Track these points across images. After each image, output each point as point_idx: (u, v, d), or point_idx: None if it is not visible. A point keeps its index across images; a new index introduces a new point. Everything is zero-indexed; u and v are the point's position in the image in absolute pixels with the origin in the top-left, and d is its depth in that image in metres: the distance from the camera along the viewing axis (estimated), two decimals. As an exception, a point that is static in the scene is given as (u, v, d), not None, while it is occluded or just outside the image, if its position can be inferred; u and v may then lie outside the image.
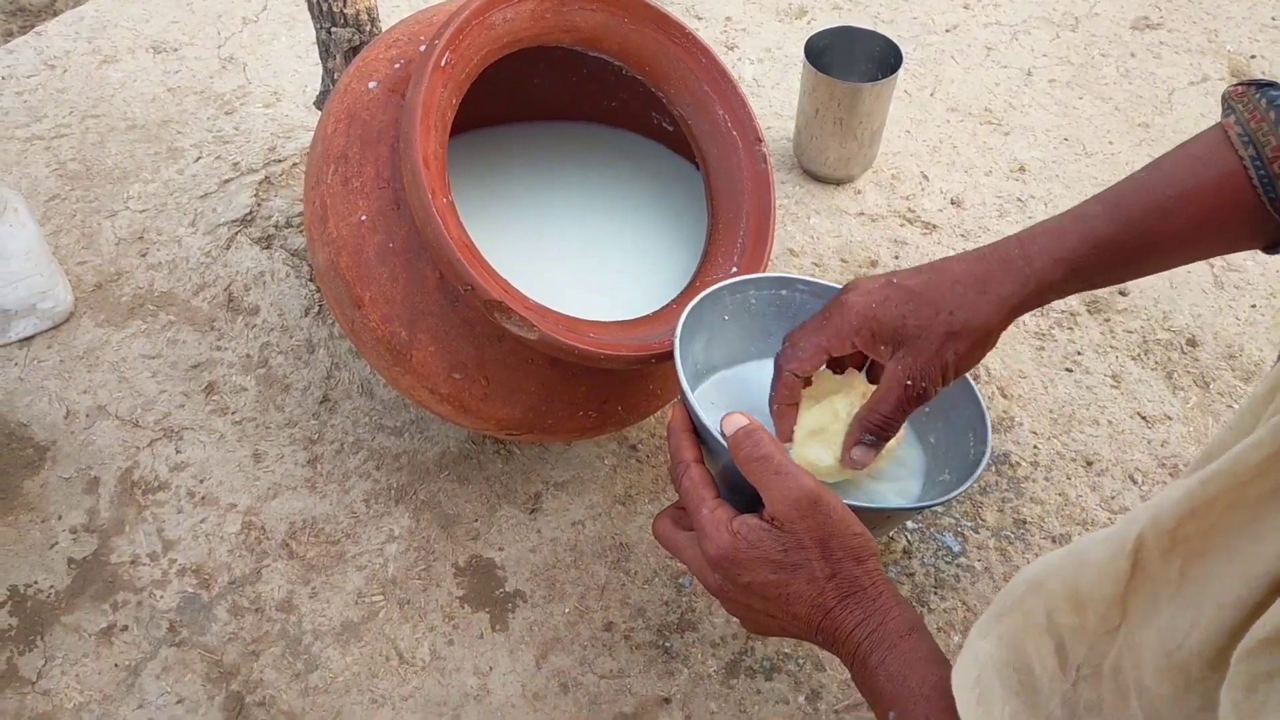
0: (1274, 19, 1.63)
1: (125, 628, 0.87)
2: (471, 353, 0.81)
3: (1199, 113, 1.44)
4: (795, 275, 0.82)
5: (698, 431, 0.69)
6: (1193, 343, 1.15)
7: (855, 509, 0.63)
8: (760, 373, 0.83)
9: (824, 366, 0.72)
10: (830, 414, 0.73)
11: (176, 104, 1.32)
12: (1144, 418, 1.07)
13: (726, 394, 0.81)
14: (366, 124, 0.82)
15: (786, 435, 0.73)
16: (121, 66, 1.37)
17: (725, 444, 0.64)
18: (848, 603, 0.61)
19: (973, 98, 1.44)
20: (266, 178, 1.20)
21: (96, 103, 1.31)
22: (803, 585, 0.61)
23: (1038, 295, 0.67)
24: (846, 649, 0.61)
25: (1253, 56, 1.55)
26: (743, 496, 0.64)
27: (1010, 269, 0.67)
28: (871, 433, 0.69)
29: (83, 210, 1.17)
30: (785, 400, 0.72)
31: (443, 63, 0.77)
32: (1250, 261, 1.25)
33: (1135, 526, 0.44)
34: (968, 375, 0.74)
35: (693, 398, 0.68)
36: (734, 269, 0.89)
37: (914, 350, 0.67)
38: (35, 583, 0.89)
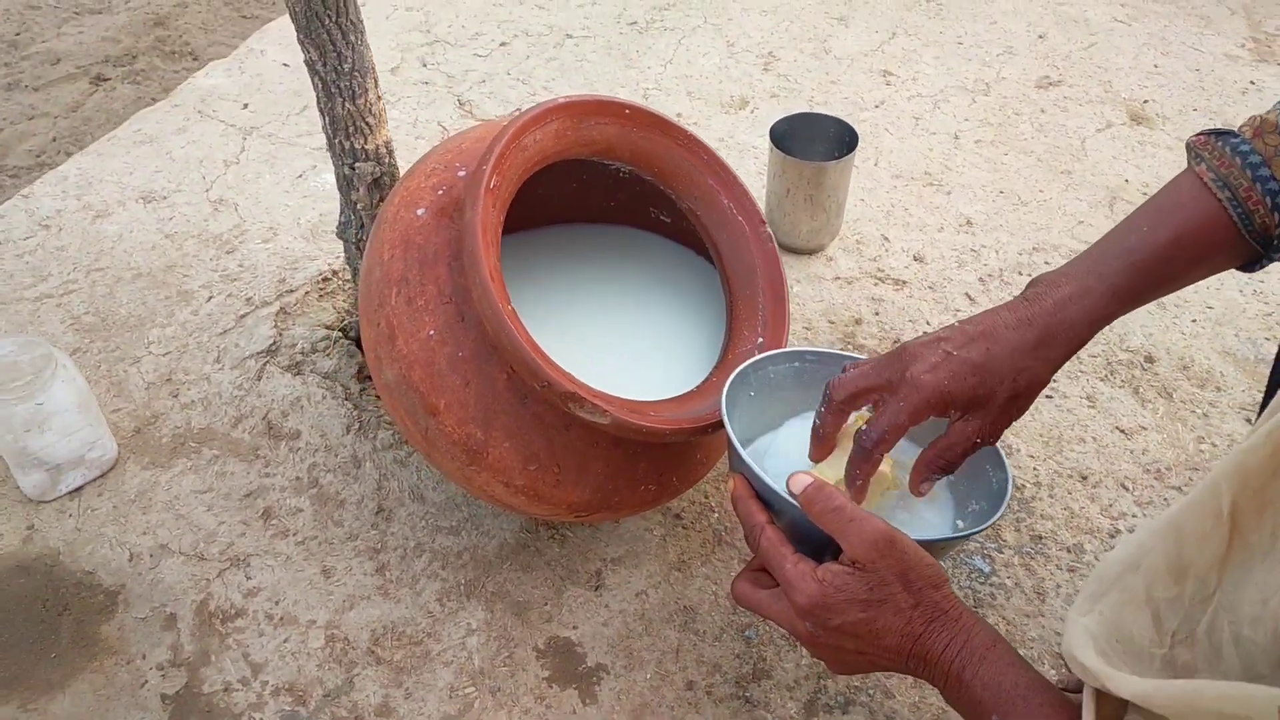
0: (1156, 66, 1.82)
1: (232, 752, 0.89)
2: (543, 444, 0.88)
3: (1111, 155, 1.60)
4: (803, 348, 0.91)
5: (760, 495, 0.76)
6: (1150, 359, 1.27)
7: (921, 543, 0.70)
8: (784, 436, 0.91)
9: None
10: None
11: (177, 249, 1.37)
12: (1123, 431, 1.19)
13: (764, 460, 0.88)
14: (422, 247, 0.89)
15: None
16: (115, 219, 1.42)
17: (795, 502, 0.71)
18: (934, 627, 0.67)
19: (911, 164, 1.58)
20: (282, 308, 1.25)
21: (98, 256, 1.35)
22: (890, 618, 0.67)
23: (1075, 350, 0.77)
24: (939, 669, 0.67)
25: (1146, 101, 1.73)
26: (811, 549, 0.71)
27: (1058, 334, 0.75)
28: (939, 472, 0.77)
29: (106, 360, 1.21)
30: (866, 475, 0.77)
31: (492, 185, 0.86)
32: (1184, 282, 1.39)
33: (1225, 491, 0.52)
34: None
35: (755, 465, 0.75)
36: (760, 339, 0.98)
37: (983, 412, 0.75)
38: (134, 722, 0.91)
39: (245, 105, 1.66)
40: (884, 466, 0.81)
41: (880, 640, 0.68)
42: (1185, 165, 0.80)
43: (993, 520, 0.77)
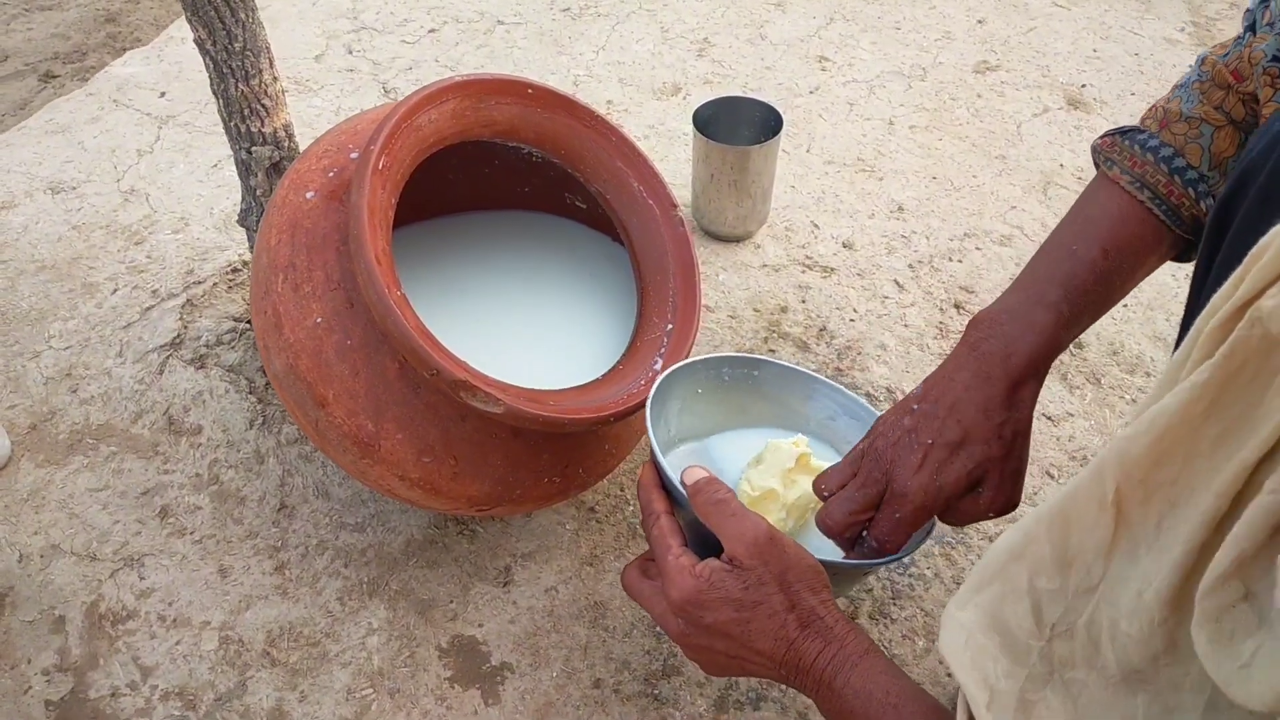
0: (1095, 50, 1.81)
1: (116, 761, 0.86)
2: (438, 435, 0.84)
3: (1046, 140, 1.59)
4: (766, 358, 0.88)
5: (666, 487, 0.73)
6: (1079, 344, 1.25)
7: (823, 563, 0.67)
8: (730, 445, 0.89)
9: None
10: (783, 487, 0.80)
11: (84, 240, 1.32)
12: (1049, 418, 1.17)
13: (696, 461, 0.86)
14: (310, 231, 0.85)
15: None
16: (21, 210, 1.37)
17: (685, 493, 0.69)
18: (808, 632, 0.64)
19: (844, 149, 1.56)
20: (189, 300, 1.21)
21: (1, 249, 1.30)
22: (764, 620, 0.64)
23: (1043, 379, 0.74)
24: (811, 676, 0.64)
25: (1083, 85, 1.72)
26: (711, 548, 0.68)
27: (1015, 380, 0.71)
28: None
29: (4, 355, 1.17)
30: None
31: (380, 166, 0.82)
32: (1115, 266, 1.37)
33: (1108, 479, 0.50)
34: None
35: (660, 453, 0.73)
36: (669, 325, 0.96)
37: (987, 483, 0.72)
38: (13, 731, 0.87)
39: (162, 94, 1.61)
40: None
41: (752, 643, 0.65)
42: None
43: (900, 556, 0.74)
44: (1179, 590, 0.48)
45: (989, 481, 0.72)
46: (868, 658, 0.63)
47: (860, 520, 0.72)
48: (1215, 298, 0.48)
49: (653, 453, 0.74)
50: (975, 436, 0.70)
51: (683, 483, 0.70)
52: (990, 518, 0.73)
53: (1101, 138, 0.78)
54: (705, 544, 0.68)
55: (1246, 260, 0.47)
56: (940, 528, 1.05)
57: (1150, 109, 0.77)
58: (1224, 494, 0.46)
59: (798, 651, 0.64)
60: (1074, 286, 0.73)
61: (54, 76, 1.79)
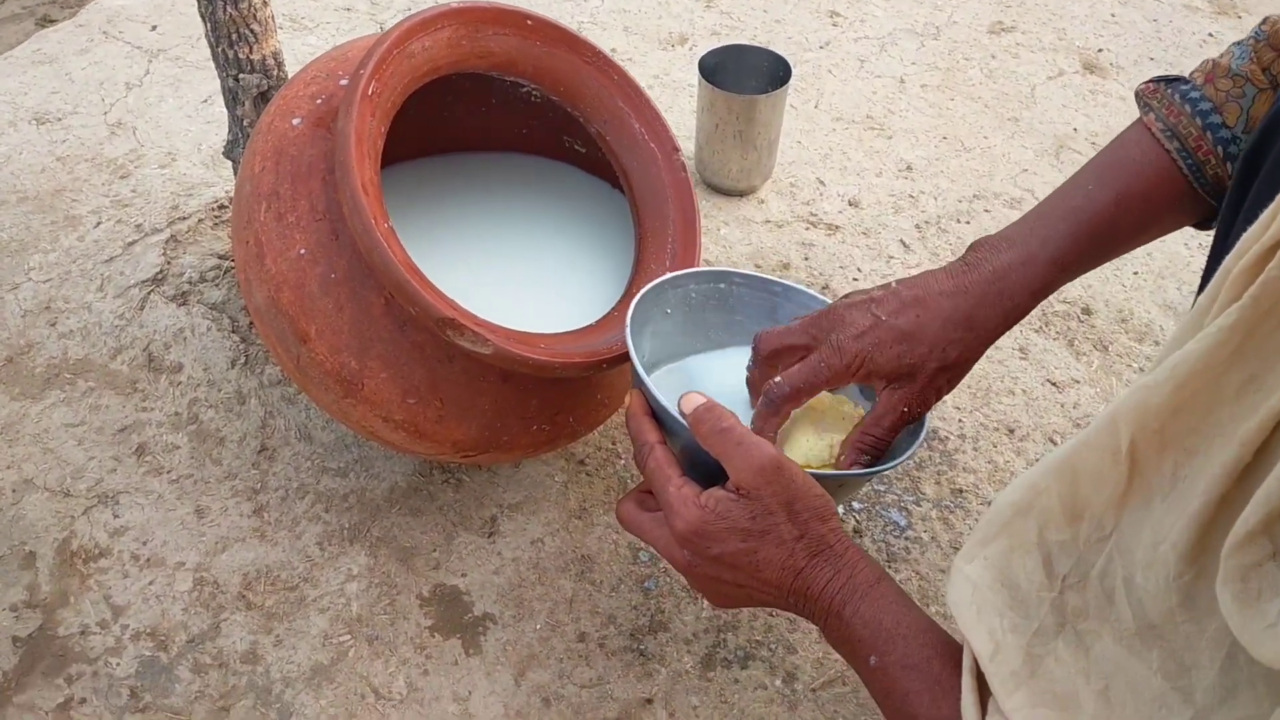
0: (1113, 15, 1.77)
1: (84, 700, 0.83)
2: (424, 376, 0.81)
3: (1060, 104, 1.55)
4: (732, 269, 0.84)
5: (656, 415, 0.70)
6: (1087, 311, 1.22)
7: (817, 478, 0.65)
8: (704, 366, 0.85)
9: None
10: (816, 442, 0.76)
11: (68, 172, 1.28)
12: (1054, 384, 1.14)
13: (673, 386, 0.83)
14: (295, 159, 0.82)
15: None
16: (4, 140, 1.33)
17: (685, 422, 0.66)
18: (817, 560, 0.62)
19: (854, 106, 1.52)
20: (173, 236, 1.18)
21: (-19, 178, 1.27)
22: (772, 549, 0.62)
23: (1014, 322, 0.72)
24: (820, 605, 0.62)
25: (1100, 50, 1.68)
26: (705, 475, 0.65)
27: (992, 305, 0.70)
28: (867, 452, 0.72)
29: (-19, 286, 1.13)
30: (773, 428, 0.73)
31: (370, 91, 0.78)
32: (1127, 233, 1.34)
33: (1123, 429, 0.47)
34: None
35: (649, 381, 0.69)
36: (667, 273, 0.92)
37: (909, 383, 0.71)
38: (-21, 667, 0.85)
39: (154, 27, 1.57)
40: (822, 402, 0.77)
41: (760, 573, 0.63)
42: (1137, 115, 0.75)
43: (894, 464, 0.72)
44: (1197, 544, 0.45)
45: (909, 385, 0.71)
46: (879, 587, 0.61)
47: (789, 350, 0.72)
48: (1244, 238, 0.45)
49: (639, 379, 0.70)
50: (923, 337, 0.70)
51: (681, 411, 0.67)
52: (900, 419, 0.72)
53: (1146, 83, 0.75)
54: (702, 471, 0.66)
55: (1279, 199, 0.44)
56: (940, 489, 1.02)
57: (1203, 62, 0.73)
58: (1249, 442, 0.43)
59: (806, 580, 0.62)
60: (1080, 226, 0.71)
61: (51, 21, 1.74)
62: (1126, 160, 0.72)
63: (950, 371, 0.71)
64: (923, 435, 0.73)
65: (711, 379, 0.84)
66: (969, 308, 0.70)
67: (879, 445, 0.72)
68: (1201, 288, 0.55)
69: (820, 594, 0.62)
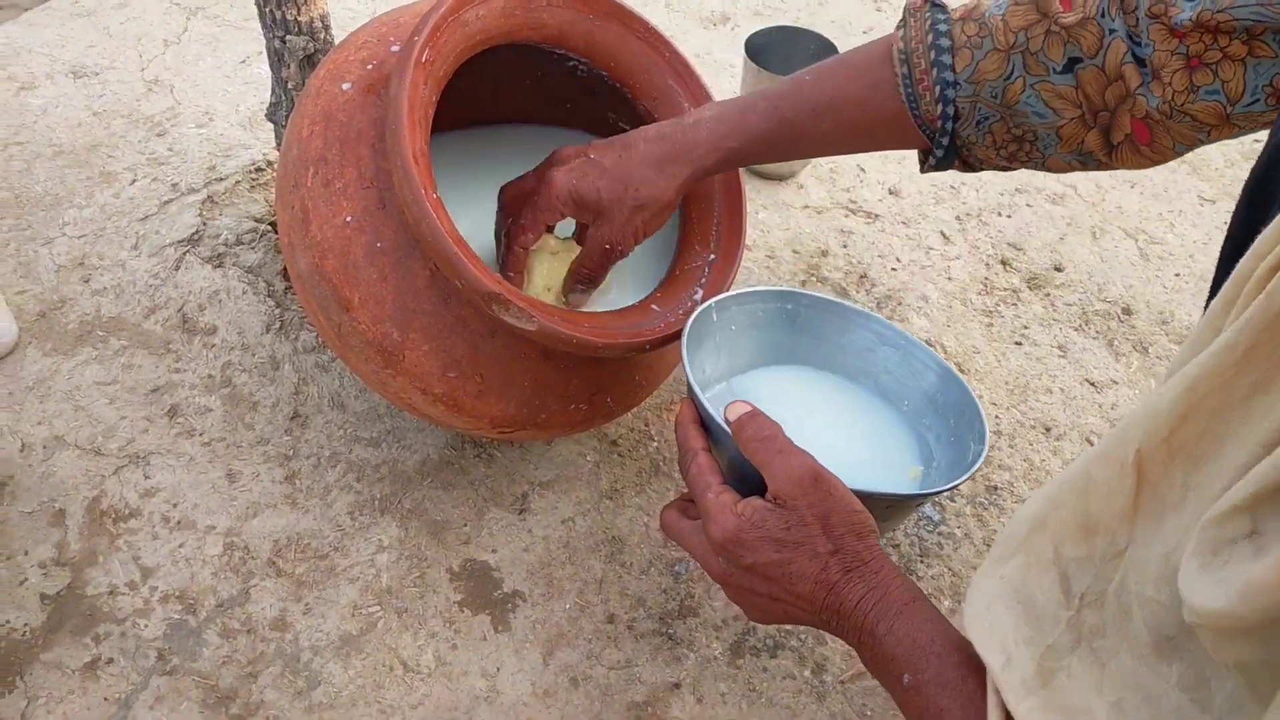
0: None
1: (111, 660, 0.83)
2: (465, 350, 0.80)
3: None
4: (796, 290, 0.84)
5: (705, 424, 0.69)
6: (1128, 311, 1.21)
7: (861, 495, 0.63)
8: (769, 381, 0.84)
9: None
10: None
11: (104, 128, 1.27)
12: (1092, 384, 1.12)
13: (736, 398, 0.82)
14: (345, 125, 0.81)
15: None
16: (41, 93, 1.32)
17: (729, 430, 0.65)
18: (851, 577, 0.61)
19: (896, 94, 1.49)
20: (209, 197, 1.17)
21: (18, 130, 1.26)
22: (806, 562, 0.61)
23: (702, 176, 0.80)
24: (853, 622, 0.61)
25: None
26: (751, 487, 0.64)
27: (681, 154, 0.78)
28: (582, 282, 0.84)
29: (16, 239, 1.12)
30: (517, 268, 0.84)
31: (424, 59, 0.77)
32: (1170, 234, 1.32)
33: (1131, 440, 0.45)
34: (962, 379, 0.78)
35: (698, 389, 0.69)
36: (711, 256, 0.91)
37: (609, 219, 0.79)
38: (7, 621, 0.84)
39: (193, -16, 1.55)
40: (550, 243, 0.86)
41: (794, 586, 0.61)
42: None
43: (946, 489, 0.70)
44: None
45: (609, 223, 0.79)
46: (913, 605, 0.59)
47: (522, 192, 0.82)
48: (1261, 242, 0.43)
49: (690, 388, 0.70)
50: (620, 174, 0.78)
51: (726, 419, 0.66)
52: (605, 254, 0.81)
53: None
54: (748, 483, 0.65)
55: None
56: (975, 486, 1.01)
57: None
58: (1264, 444, 0.41)
59: (839, 596, 0.60)
60: (780, 110, 0.76)
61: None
62: (856, 65, 0.75)
63: (644, 211, 0.79)
64: (978, 464, 0.72)
65: (767, 394, 0.83)
66: (663, 151, 0.78)
67: (591, 277, 0.84)
68: (1211, 296, 0.53)
69: (854, 610, 0.60)
